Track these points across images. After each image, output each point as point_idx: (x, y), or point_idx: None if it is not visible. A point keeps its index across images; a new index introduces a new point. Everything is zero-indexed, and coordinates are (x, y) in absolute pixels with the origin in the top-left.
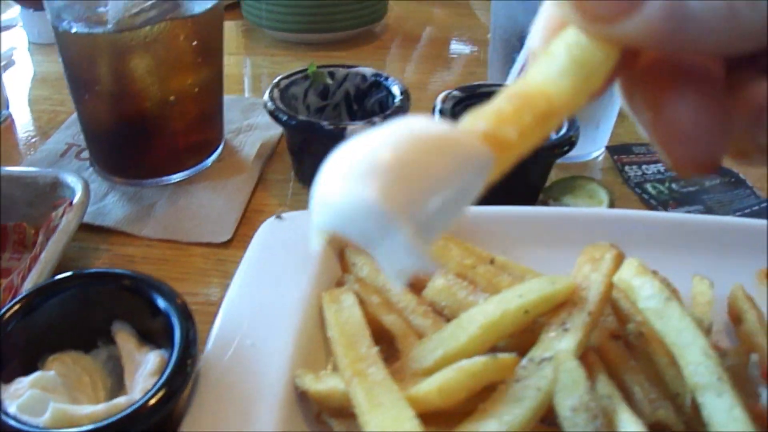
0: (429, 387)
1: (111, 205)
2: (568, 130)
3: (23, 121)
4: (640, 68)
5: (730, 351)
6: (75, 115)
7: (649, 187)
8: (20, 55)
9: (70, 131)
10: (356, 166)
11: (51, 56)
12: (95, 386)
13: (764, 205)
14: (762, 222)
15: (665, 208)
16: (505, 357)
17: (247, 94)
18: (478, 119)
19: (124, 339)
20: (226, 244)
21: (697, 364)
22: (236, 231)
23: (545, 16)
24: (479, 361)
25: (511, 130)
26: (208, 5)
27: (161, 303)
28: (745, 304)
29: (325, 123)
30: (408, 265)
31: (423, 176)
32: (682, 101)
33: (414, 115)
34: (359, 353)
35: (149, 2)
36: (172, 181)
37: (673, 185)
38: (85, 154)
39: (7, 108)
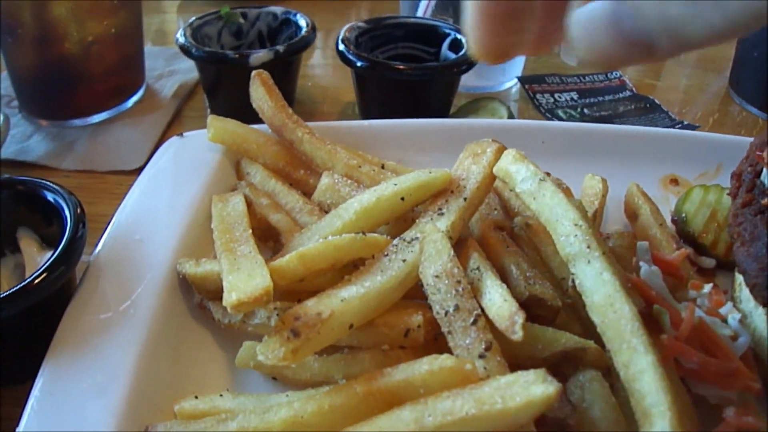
0: (291, 256)
1: (35, 144)
2: (468, 50)
3: None
4: None
5: (614, 234)
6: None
7: (560, 113)
8: None
9: (5, 83)
10: None
11: None
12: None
13: (679, 126)
14: (661, 130)
15: None
16: (373, 236)
17: None
18: None
19: (27, 243)
20: (137, 171)
21: (567, 234)
22: (148, 159)
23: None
24: (346, 236)
25: None
26: None
27: (53, 201)
28: (639, 200)
29: (230, 53)
30: None
31: None
32: None
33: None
34: (234, 236)
35: None
36: (95, 121)
37: (585, 110)
38: (15, 103)
39: None
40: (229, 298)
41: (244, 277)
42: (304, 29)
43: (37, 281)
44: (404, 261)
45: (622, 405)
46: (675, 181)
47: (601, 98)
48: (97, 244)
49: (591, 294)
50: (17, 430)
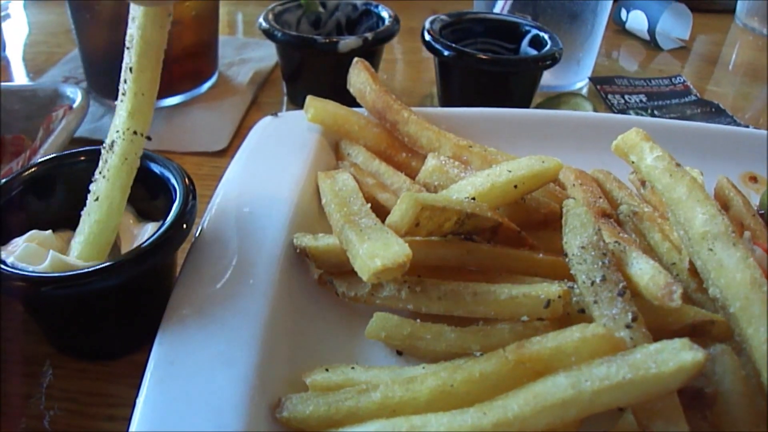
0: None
1: (107, 123)
2: (552, 46)
3: (18, 64)
4: None
5: None
6: (72, 53)
7: (631, 113)
8: (15, 10)
9: (68, 66)
10: None
11: (45, 9)
12: None
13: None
14: (740, 129)
15: None
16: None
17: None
18: None
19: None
20: (220, 153)
21: (712, 215)
22: (231, 143)
23: None
24: None
25: None
26: None
27: (159, 173)
28: (731, 192)
29: (318, 37)
30: None
31: None
32: None
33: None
34: (352, 209)
35: None
36: (167, 105)
37: (656, 112)
38: (83, 85)
39: (4, 51)
40: (373, 264)
41: (380, 246)
42: (387, 20)
43: (140, 254)
44: None
45: (747, 379)
46: (754, 179)
47: (668, 102)
48: (203, 216)
49: (733, 273)
50: (138, 399)
